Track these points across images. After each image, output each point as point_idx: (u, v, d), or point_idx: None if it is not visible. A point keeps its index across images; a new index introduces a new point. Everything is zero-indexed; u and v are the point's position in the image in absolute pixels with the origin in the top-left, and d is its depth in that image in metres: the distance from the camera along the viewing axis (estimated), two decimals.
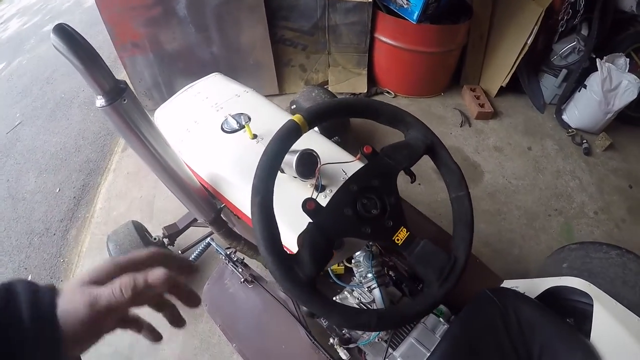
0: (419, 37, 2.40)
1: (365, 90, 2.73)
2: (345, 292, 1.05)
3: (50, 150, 2.65)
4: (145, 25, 2.29)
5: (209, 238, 1.24)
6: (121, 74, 2.56)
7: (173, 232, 1.66)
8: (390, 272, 1.07)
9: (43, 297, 0.35)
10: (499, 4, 2.56)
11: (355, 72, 2.71)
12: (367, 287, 0.98)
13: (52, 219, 2.25)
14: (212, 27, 2.35)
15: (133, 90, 0.77)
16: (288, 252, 0.61)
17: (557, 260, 1.39)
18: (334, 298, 1.05)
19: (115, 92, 0.74)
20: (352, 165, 0.96)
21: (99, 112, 0.75)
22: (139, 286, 0.38)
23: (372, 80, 2.79)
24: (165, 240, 1.66)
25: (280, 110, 1.28)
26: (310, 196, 0.65)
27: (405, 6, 2.27)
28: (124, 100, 0.74)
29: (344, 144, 1.17)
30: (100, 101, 0.74)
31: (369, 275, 0.97)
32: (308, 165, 0.90)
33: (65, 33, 0.64)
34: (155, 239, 1.66)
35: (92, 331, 0.37)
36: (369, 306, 1.00)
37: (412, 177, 0.79)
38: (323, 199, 0.92)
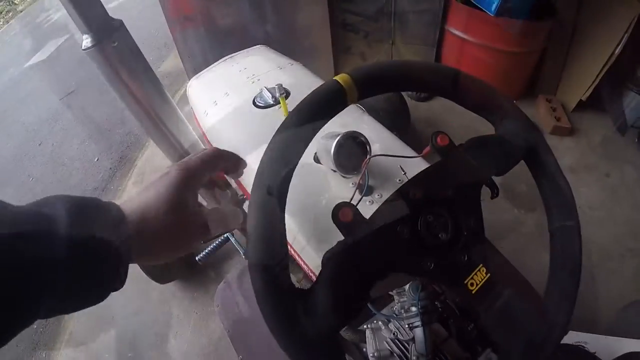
0: (496, 32, 2.08)
1: None
2: (380, 322, 0.81)
3: (96, 120, 2.66)
4: None
5: (228, 232, 1.05)
6: (173, 50, 2.50)
7: None
8: (437, 302, 0.81)
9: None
10: (586, 5, 2.16)
11: None
12: (409, 324, 0.74)
13: (86, 188, 2.23)
14: (268, 4, 2.20)
15: (131, 34, 0.60)
16: (297, 285, 0.38)
17: (635, 314, 1.24)
18: (363, 326, 0.81)
19: (105, 32, 0.57)
20: (414, 162, 0.71)
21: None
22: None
23: None
24: None
25: None
26: (349, 199, 0.43)
27: None
28: (114, 42, 0.57)
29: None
30: (86, 41, 0.57)
31: (413, 308, 0.72)
32: (352, 155, 0.66)
33: None
34: None
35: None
36: (407, 345, 0.75)
37: (495, 190, 0.53)
38: (367, 207, 0.66)
